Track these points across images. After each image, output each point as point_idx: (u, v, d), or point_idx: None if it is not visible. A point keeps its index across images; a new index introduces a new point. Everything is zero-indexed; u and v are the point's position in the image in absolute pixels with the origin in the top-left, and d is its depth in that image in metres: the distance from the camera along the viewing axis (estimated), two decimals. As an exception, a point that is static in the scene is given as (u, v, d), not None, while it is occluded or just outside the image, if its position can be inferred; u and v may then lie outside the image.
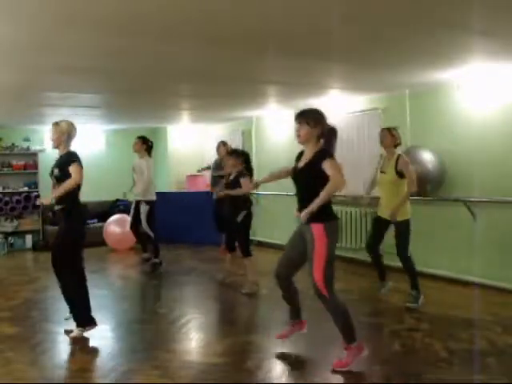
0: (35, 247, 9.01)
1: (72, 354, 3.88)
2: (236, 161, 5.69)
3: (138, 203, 6.82)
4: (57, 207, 4.15)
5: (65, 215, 4.12)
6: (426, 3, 2.96)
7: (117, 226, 8.51)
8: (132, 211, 6.98)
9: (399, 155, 4.78)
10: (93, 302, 4.23)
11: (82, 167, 4.11)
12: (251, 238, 8.25)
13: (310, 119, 3.41)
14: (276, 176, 4.13)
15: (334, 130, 3.51)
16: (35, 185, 9.21)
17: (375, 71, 5.01)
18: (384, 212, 4.82)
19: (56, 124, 4.22)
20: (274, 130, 8.49)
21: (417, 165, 5.52)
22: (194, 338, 4.26)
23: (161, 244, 7.01)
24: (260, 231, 8.31)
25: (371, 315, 4.69)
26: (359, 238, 6.82)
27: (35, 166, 9.26)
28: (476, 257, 5.29)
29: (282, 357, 3.73)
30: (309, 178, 3.40)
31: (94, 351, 3.91)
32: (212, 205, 7.11)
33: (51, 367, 3.58)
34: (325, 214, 3.38)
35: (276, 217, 8.11)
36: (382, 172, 4.89)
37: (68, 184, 4.02)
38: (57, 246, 4.21)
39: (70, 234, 4.14)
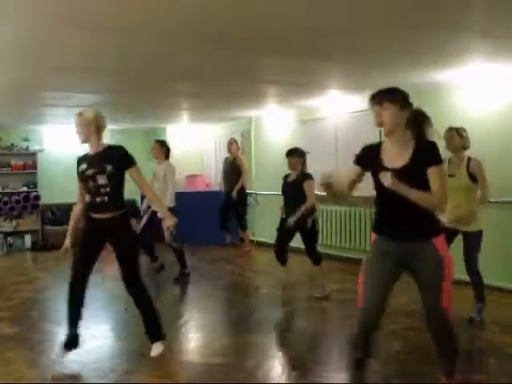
0: (34, 247, 9.00)
1: (72, 353, 3.87)
2: (298, 161, 5.15)
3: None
4: (115, 213, 3.56)
5: (123, 220, 3.60)
6: (426, 4, 2.96)
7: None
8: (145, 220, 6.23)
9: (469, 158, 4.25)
10: (93, 302, 4.21)
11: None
12: (253, 238, 8.32)
13: (397, 99, 2.61)
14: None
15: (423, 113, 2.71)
16: (34, 185, 9.21)
17: (375, 71, 5.00)
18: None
19: (80, 114, 3.51)
20: (273, 130, 8.48)
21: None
22: (193, 338, 4.27)
23: (161, 244, 6.95)
24: (260, 231, 8.30)
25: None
26: (358, 238, 6.82)
27: (34, 166, 9.26)
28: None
29: (282, 357, 3.73)
30: (412, 182, 2.53)
31: (94, 351, 3.91)
32: (221, 202, 7.44)
33: (50, 367, 3.58)
34: (438, 224, 2.77)
35: (276, 217, 8.09)
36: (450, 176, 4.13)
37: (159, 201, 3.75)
38: (129, 258, 3.73)
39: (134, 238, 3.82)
